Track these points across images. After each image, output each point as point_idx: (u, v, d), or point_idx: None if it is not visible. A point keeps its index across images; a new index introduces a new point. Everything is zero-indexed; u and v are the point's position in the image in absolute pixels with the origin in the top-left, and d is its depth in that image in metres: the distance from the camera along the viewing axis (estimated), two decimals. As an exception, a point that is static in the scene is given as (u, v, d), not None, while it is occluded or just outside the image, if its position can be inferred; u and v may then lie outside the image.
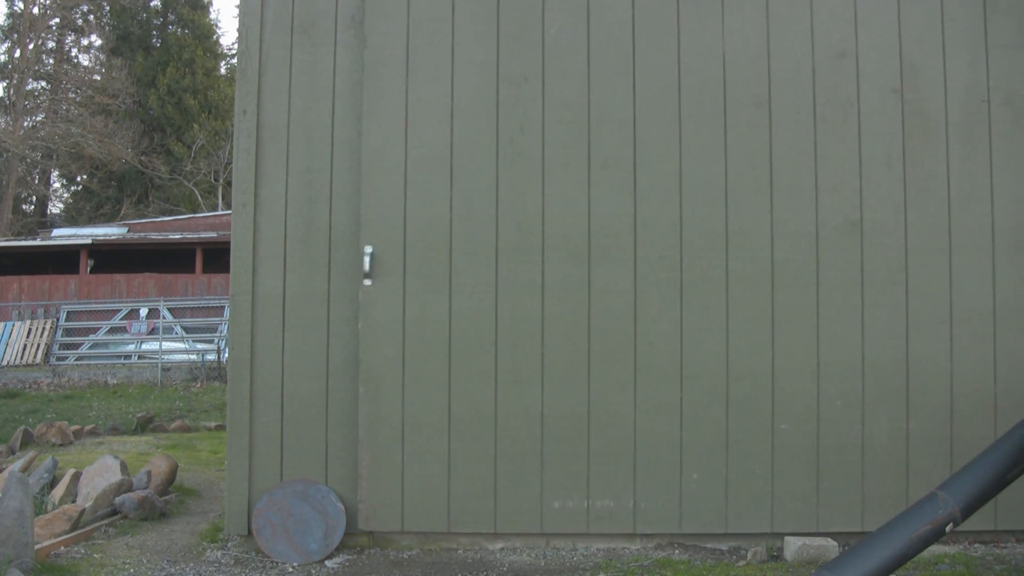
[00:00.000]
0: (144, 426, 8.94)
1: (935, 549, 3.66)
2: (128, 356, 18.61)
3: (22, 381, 14.31)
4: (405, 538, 4.10)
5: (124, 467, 5.14)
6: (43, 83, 32.42)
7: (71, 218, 32.33)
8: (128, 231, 23.20)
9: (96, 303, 19.86)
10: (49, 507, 4.67)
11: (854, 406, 4.01)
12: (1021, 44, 4.11)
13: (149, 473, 5.20)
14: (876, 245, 4.05)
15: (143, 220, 25.89)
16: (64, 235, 23.14)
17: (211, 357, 15.73)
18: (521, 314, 4.04)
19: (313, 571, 3.85)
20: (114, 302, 19.83)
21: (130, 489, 4.91)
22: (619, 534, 4.01)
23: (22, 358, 18.36)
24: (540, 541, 4.06)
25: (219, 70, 33.95)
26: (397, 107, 4.12)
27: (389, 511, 4.04)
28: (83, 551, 4.10)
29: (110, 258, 22.58)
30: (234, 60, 29.13)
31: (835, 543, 3.86)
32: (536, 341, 4.03)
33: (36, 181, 33.63)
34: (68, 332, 19.23)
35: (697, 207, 4.06)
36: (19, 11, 30.96)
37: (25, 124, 29.48)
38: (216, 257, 20.57)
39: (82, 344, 19.00)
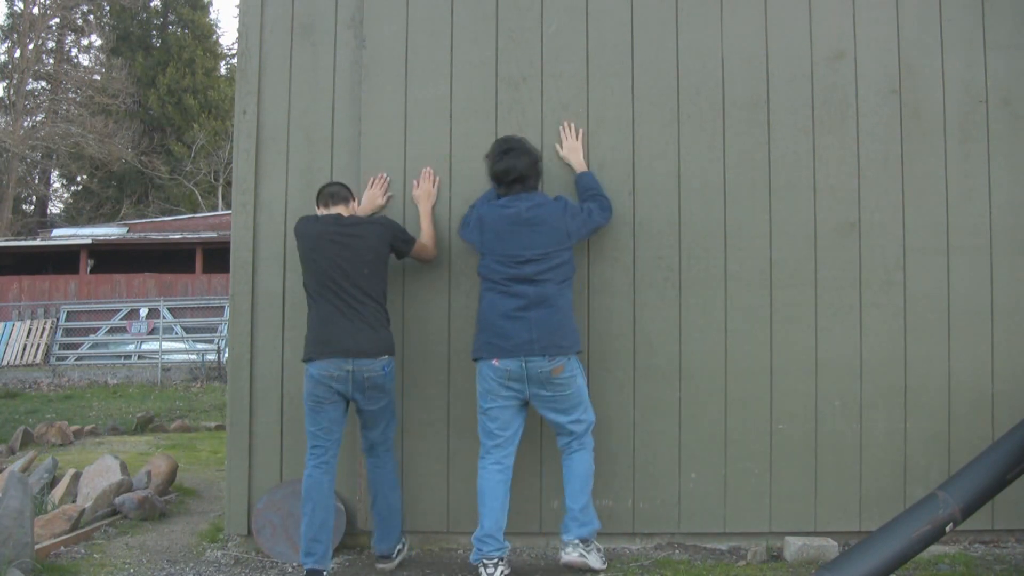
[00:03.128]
0: (144, 426, 8.95)
1: (935, 549, 3.66)
2: (128, 356, 18.61)
3: (22, 381, 14.32)
4: (405, 538, 4.09)
5: (124, 467, 5.14)
6: (43, 83, 32.42)
7: (71, 218, 32.32)
8: (128, 231, 23.20)
9: (96, 303, 19.86)
10: (49, 507, 4.67)
11: (852, 406, 4.02)
12: (1019, 45, 4.11)
13: (149, 473, 5.21)
14: (874, 245, 4.05)
15: (143, 220, 25.90)
16: (64, 235, 23.13)
17: (211, 357, 15.74)
18: (520, 314, 4.04)
19: (313, 571, 3.85)
20: (114, 302, 19.83)
21: (130, 489, 4.92)
22: (619, 534, 4.01)
23: (22, 358, 18.36)
24: (540, 541, 4.06)
25: (219, 70, 33.94)
26: (396, 108, 4.13)
27: (388, 511, 4.04)
28: (83, 551, 4.11)
29: (110, 258, 22.57)
30: (234, 60, 29.12)
31: (835, 543, 3.86)
32: (535, 341, 4.03)
33: (36, 181, 33.63)
34: (68, 332, 19.23)
35: (695, 207, 4.06)
36: (19, 11, 30.96)
37: (25, 124, 29.48)
38: (216, 257, 20.57)
39: (82, 344, 19.00)
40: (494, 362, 3.62)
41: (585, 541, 3.64)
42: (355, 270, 3.65)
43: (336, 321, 3.63)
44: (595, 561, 3.65)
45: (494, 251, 3.70)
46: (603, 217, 3.88)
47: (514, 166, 3.73)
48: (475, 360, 3.74)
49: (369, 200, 4.04)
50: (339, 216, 3.77)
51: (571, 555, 3.61)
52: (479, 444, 3.95)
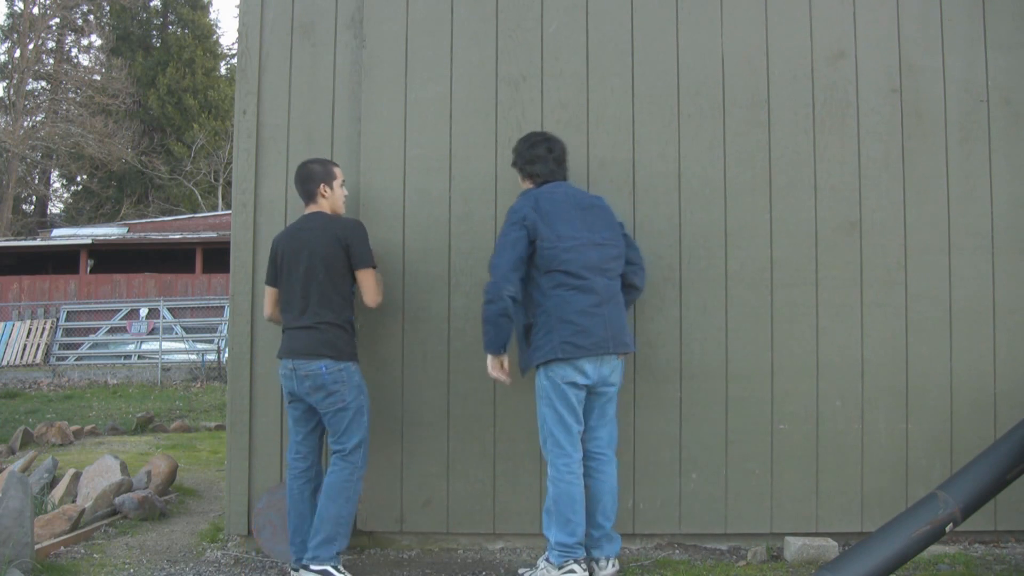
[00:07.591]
0: (144, 426, 8.95)
1: (935, 549, 3.66)
2: (128, 356, 18.62)
3: (22, 381, 14.32)
4: (405, 538, 4.10)
5: (124, 467, 5.14)
6: (43, 83, 32.43)
7: (71, 218, 32.34)
8: (128, 231, 23.21)
9: (96, 303, 19.87)
10: (49, 507, 4.67)
11: (853, 406, 4.01)
12: (1020, 44, 4.11)
13: (149, 473, 5.21)
14: (875, 245, 4.05)
15: (143, 220, 25.91)
16: (64, 235, 23.14)
17: (211, 357, 15.75)
18: (520, 314, 4.03)
19: (313, 571, 3.85)
20: (114, 302, 19.84)
21: (130, 489, 4.92)
22: (619, 534, 4.01)
23: (22, 358, 18.37)
24: (540, 541, 4.04)
25: (219, 70, 33.96)
26: (395, 108, 4.12)
27: (388, 512, 4.05)
28: (83, 551, 4.11)
29: (110, 258, 22.59)
30: (234, 60, 29.12)
31: (835, 543, 3.86)
32: (535, 341, 4.02)
33: (36, 181, 33.64)
34: (68, 332, 19.24)
35: (695, 206, 4.06)
36: (19, 11, 30.98)
37: (25, 124, 29.49)
38: (216, 257, 20.58)
39: (82, 344, 19.00)
40: None
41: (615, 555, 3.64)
42: (309, 278, 3.63)
43: (290, 326, 3.71)
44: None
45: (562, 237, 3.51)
46: (642, 280, 3.77)
47: (552, 147, 3.69)
48: (544, 364, 3.49)
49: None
50: (305, 218, 3.74)
51: (609, 572, 3.60)
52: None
